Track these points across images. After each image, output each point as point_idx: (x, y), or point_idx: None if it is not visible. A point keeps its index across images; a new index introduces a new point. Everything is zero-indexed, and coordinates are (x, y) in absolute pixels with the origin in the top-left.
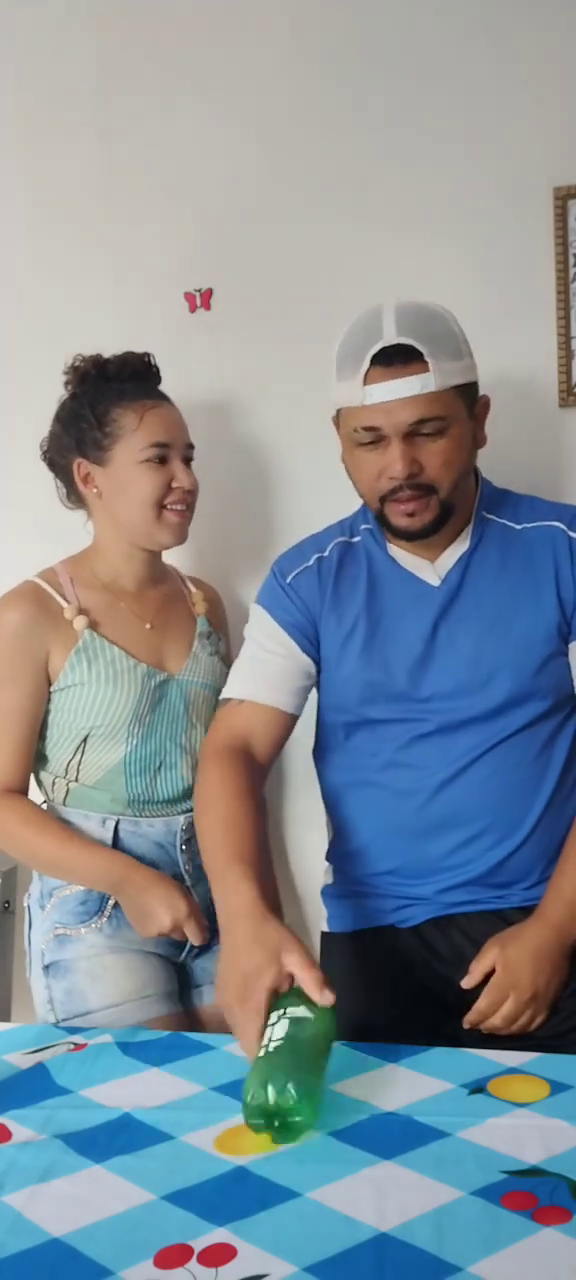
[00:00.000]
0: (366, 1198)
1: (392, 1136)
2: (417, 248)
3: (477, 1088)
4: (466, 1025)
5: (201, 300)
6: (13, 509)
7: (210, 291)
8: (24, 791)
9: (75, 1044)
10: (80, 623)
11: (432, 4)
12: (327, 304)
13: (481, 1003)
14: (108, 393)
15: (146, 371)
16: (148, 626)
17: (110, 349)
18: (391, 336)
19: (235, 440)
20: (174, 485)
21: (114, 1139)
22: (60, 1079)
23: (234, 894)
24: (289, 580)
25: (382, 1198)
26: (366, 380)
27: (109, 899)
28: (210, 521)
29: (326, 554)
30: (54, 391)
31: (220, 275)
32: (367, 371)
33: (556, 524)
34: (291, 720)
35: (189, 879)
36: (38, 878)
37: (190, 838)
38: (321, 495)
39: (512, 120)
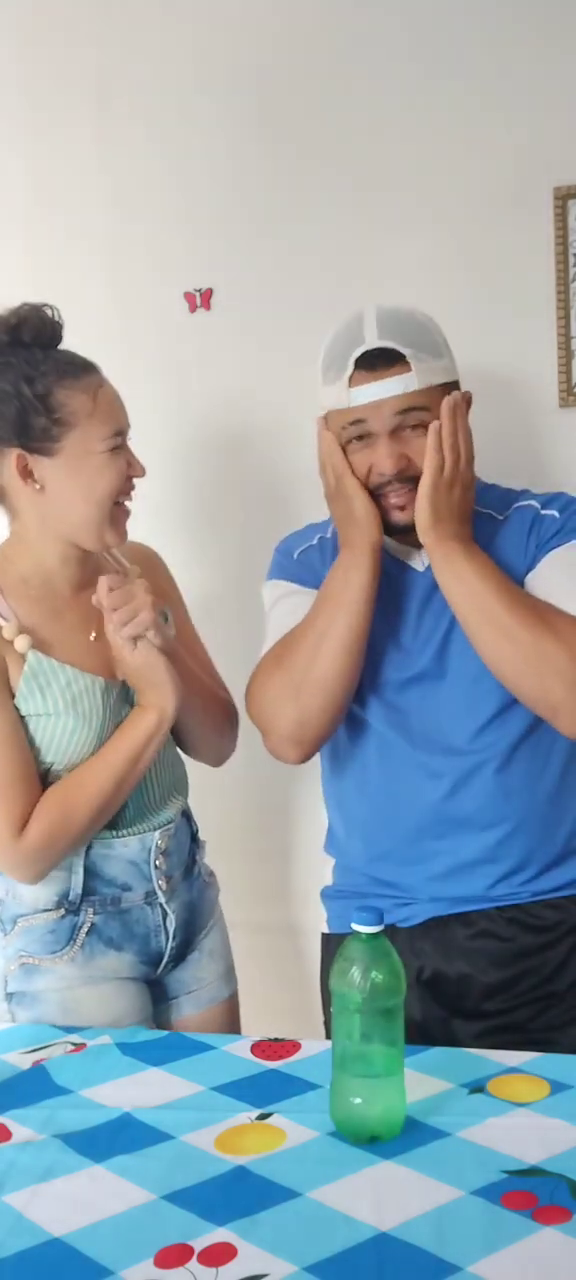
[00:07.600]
0: (366, 1198)
1: (393, 1136)
2: (417, 248)
3: (477, 1088)
4: None
5: (201, 300)
6: None
7: (210, 291)
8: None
9: (75, 1044)
10: (23, 643)
11: (433, 4)
12: (327, 304)
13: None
14: (41, 367)
15: (58, 333)
16: (92, 636)
17: (110, 349)
18: (373, 340)
19: (234, 439)
20: (129, 474)
21: (114, 1139)
22: (60, 1079)
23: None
24: (296, 556)
25: (382, 1198)
26: (351, 383)
27: (81, 926)
28: (209, 520)
29: (328, 535)
30: None
31: (220, 275)
32: (352, 375)
33: (532, 504)
34: None
35: (163, 894)
36: None
37: (164, 850)
38: (320, 493)
39: (512, 120)
